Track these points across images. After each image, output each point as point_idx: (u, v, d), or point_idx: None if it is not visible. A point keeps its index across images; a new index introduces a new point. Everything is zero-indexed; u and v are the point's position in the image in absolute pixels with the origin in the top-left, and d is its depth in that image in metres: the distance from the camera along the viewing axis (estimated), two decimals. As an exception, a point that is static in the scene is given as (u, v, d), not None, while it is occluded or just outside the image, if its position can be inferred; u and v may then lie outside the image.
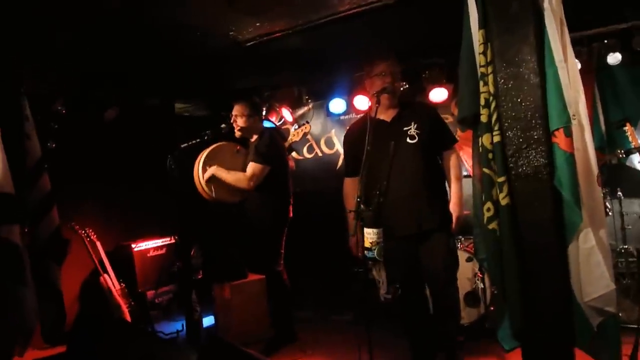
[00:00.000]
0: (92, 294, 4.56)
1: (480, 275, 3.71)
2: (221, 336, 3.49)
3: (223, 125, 3.90)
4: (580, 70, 2.42)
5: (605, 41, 4.09)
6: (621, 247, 4.11)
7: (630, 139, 3.67)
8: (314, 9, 3.44)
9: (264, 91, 5.49)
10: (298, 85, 5.37)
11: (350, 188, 3.11)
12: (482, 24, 2.23)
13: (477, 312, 3.74)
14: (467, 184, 2.83)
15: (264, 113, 5.06)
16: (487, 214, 2.25)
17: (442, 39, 3.52)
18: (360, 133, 2.83)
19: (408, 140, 2.95)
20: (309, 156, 5.64)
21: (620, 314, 2.58)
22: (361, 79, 3.67)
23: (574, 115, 2.10)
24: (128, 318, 4.28)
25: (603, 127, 4.36)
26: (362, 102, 4.87)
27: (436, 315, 3.05)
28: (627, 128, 3.69)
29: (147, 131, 5.18)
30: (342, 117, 5.40)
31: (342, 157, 4.94)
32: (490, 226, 2.24)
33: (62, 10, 3.07)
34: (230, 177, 3.76)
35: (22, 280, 3.02)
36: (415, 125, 2.97)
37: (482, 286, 3.69)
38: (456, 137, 3.26)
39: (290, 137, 4.74)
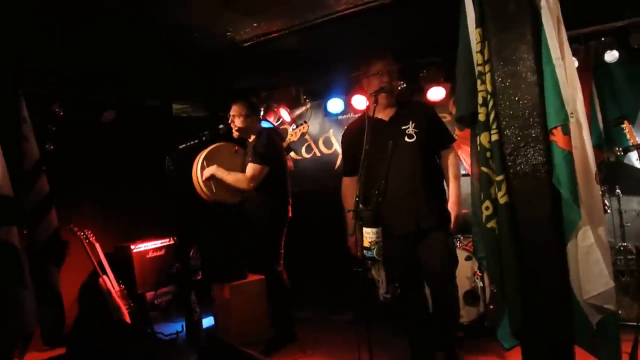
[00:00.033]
0: (91, 295, 4.55)
1: (480, 274, 3.71)
2: (221, 337, 3.48)
3: (221, 126, 3.90)
4: (578, 68, 2.41)
5: (603, 39, 4.08)
6: (620, 244, 4.11)
7: (628, 136, 3.67)
8: (310, 9, 3.45)
9: (261, 91, 5.47)
10: (295, 85, 5.36)
11: (349, 187, 3.11)
12: (479, 23, 2.23)
13: (476, 311, 3.74)
14: (466, 183, 2.82)
15: (261, 113, 5.07)
16: (485, 213, 2.24)
17: (439, 38, 3.50)
18: (359, 132, 2.83)
19: (406, 139, 2.95)
20: (308, 156, 5.63)
21: (619, 312, 2.57)
22: (359, 78, 3.67)
23: (571, 113, 2.09)
24: (127, 319, 4.27)
25: (601, 125, 4.35)
26: (359, 102, 4.85)
27: (435, 314, 3.05)
28: (625, 126, 3.69)
29: (145, 132, 5.17)
30: (340, 117, 5.38)
31: (340, 156, 4.94)
32: (489, 225, 2.24)
33: (61, 10, 3.07)
34: (230, 177, 3.75)
35: (22, 282, 3.02)
36: (413, 124, 2.97)
37: (482, 285, 3.70)
38: (454, 135, 3.27)
39: (288, 137, 4.74)
